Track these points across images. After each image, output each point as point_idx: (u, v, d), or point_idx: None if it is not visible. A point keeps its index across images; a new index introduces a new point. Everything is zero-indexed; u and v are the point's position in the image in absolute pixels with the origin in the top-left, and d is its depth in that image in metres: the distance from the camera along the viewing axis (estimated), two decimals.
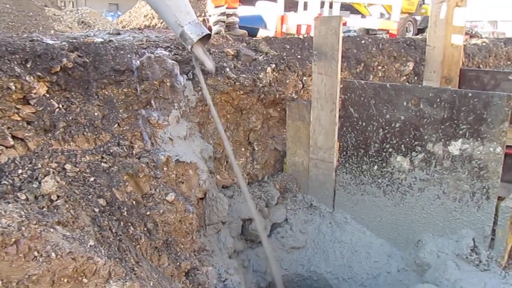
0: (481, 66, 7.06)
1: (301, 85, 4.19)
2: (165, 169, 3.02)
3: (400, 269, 3.47)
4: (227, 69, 3.59)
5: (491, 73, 5.43)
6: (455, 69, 5.44)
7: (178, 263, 2.84)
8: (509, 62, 7.96)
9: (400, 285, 3.36)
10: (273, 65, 3.90)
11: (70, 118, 2.72)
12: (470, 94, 3.02)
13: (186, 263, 2.86)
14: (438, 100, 3.14)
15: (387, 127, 3.44)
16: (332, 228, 3.90)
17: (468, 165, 3.10)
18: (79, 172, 2.55)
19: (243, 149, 3.96)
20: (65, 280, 1.97)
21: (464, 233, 3.19)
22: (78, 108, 2.80)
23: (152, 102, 3.19)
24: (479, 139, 3.02)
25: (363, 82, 3.52)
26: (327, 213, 3.96)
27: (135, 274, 2.28)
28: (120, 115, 2.98)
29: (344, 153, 3.77)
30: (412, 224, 3.47)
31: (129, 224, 2.64)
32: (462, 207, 3.18)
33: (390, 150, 3.47)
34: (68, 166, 2.52)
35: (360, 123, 3.59)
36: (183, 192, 3.12)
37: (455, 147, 3.13)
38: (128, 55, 3.12)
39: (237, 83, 3.62)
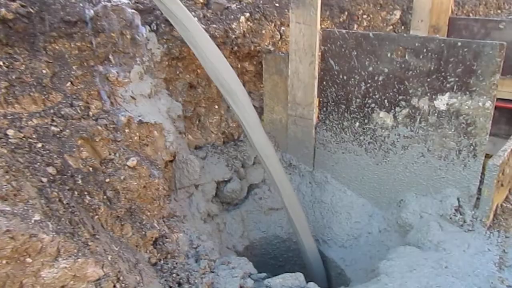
0: (470, 14, 6.74)
1: (279, 36, 3.86)
2: (126, 131, 2.75)
3: (381, 230, 3.33)
4: (196, 19, 3.24)
5: (481, 22, 5.13)
6: (444, 18, 5.13)
7: (143, 232, 2.64)
8: (499, 11, 7.63)
9: (382, 246, 3.23)
10: (247, 14, 3.55)
11: (14, 77, 2.41)
12: (459, 44, 2.75)
13: (153, 232, 2.67)
14: (425, 50, 2.87)
15: (369, 81, 3.19)
16: (312, 188, 3.73)
17: (455, 121, 2.89)
18: (23, 138, 2.28)
19: (216, 107, 3.68)
20: (4, 262, 1.76)
21: (448, 192, 3.03)
22: (23, 66, 2.49)
23: (111, 57, 2.87)
24: (467, 92, 2.79)
25: (344, 31, 3.21)
26: (306, 172, 3.77)
27: (89, 249, 2.07)
28: (73, 73, 2.67)
29: (324, 109, 3.53)
30: (395, 183, 3.30)
31: (85, 193, 2.40)
32: (448, 165, 3.00)
33: (373, 105, 3.23)
34: (10, 132, 2.24)
35: (341, 76, 3.32)
36: (148, 156, 2.87)
37: (442, 101, 2.91)
38: (81, 4, 2.76)
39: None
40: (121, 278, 2.15)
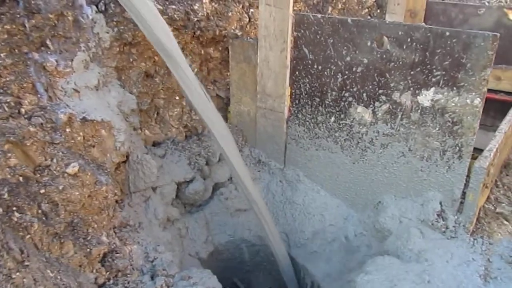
0: None
1: (247, 19, 3.49)
2: (67, 130, 2.34)
3: (357, 234, 3.08)
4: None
5: (460, 7, 4.91)
6: (421, 2, 4.90)
7: (88, 249, 2.27)
8: None
9: (357, 252, 2.99)
10: None
11: None
12: (447, 34, 2.46)
13: (99, 248, 2.30)
14: (409, 40, 2.57)
15: (347, 72, 2.87)
16: (283, 187, 3.43)
17: (440, 119, 2.62)
18: None
19: (177, 97, 3.30)
20: None
21: (430, 196, 2.79)
22: None
23: (48, 42, 2.43)
24: (454, 88, 2.52)
25: (319, 16, 2.87)
26: (277, 170, 3.47)
27: (13, 283, 1.70)
28: (0, 62, 2.23)
29: (297, 101, 3.20)
30: (372, 184, 3.03)
31: (13, 209, 2.00)
32: (430, 166, 2.75)
33: (350, 99, 2.93)
34: None
35: (315, 66, 2.99)
36: (94, 159, 2.48)
37: (426, 97, 2.63)
38: None
39: (164, 17, 2.87)
40: None
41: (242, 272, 3.53)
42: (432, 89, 2.59)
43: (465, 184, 2.67)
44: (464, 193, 2.68)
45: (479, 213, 2.86)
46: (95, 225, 2.40)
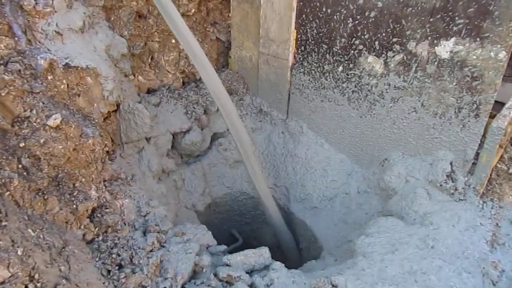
0: None
1: None
2: (49, 78, 2.15)
3: (360, 191, 2.95)
4: None
5: None
6: None
7: (74, 206, 2.16)
8: None
9: (359, 210, 2.87)
10: None
11: None
12: None
13: (87, 204, 2.18)
14: None
15: (358, 17, 2.59)
16: (285, 139, 3.26)
17: (458, 73, 2.38)
18: None
19: (173, 41, 3.05)
20: None
21: (441, 155, 2.60)
22: None
23: None
24: (478, 39, 2.25)
25: None
26: (279, 120, 3.28)
27: None
28: None
29: (302, 48, 2.94)
30: (380, 139, 2.85)
31: None
32: (443, 124, 2.54)
33: (360, 47, 2.67)
34: None
35: (324, 9, 2.71)
36: (80, 109, 2.30)
37: (445, 48, 2.37)
38: None
39: None
40: (36, 276, 1.71)
41: (241, 224, 3.46)
42: (453, 39, 2.32)
43: (479, 144, 2.47)
44: (477, 154, 2.50)
45: (490, 174, 2.68)
46: (83, 179, 2.28)
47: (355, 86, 2.81)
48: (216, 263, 2.39)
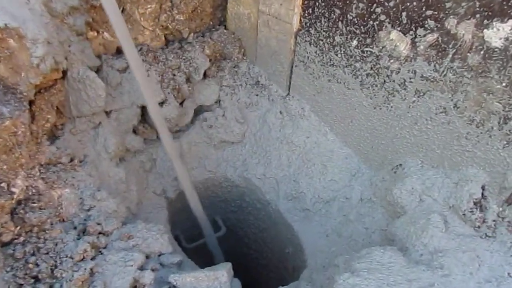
0: None
1: None
2: None
3: (364, 199, 2.37)
4: None
5: None
6: None
7: None
8: None
9: (358, 223, 2.31)
10: None
11: None
12: None
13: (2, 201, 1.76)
14: None
15: None
16: (283, 121, 2.67)
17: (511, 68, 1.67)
18: None
19: None
20: None
21: (471, 174, 1.95)
22: None
23: None
24: None
25: None
26: (278, 97, 2.68)
27: None
28: None
29: (310, 10, 2.27)
30: (395, 140, 2.21)
31: None
32: (481, 135, 1.87)
33: (383, 17, 1.98)
34: None
35: None
36: (1, 79, 1.81)
37: (498, 32, 1.65)
38: None
39: None
40: None
41: (226, 212, 3.00)
42: (510, 21, 1.59)
43: None
44: None
45: None
46: (4, 167, 1.84)
47: (371, 68, 2.14)
48: (164, 278, 1.96)
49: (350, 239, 2.29)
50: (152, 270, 2.00)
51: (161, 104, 2.47)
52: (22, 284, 1.72)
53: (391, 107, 2.15)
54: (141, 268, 1.94)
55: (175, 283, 1.89)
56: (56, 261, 1.83)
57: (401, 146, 2.20)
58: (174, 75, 2.53)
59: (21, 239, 1.84)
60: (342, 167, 2.47)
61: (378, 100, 2.19)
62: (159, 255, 2.10)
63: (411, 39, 1.92)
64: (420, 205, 2.07)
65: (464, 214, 1.94)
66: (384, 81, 2.12)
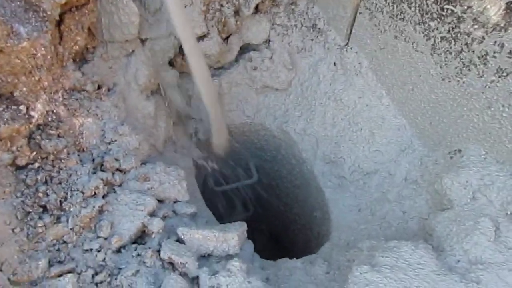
0: None
1: None
2: None
3: (409, 179, 2.08)
4: None
5: None
6: None
7: None
8: None
9: (396, 205, 2.05)
10: None
11: None
12: None
13: (11, 127, 1.68)
14: None
15: None
16: (335, 74, 2.36)
17: None
18: None
19: None
20: None
21: None
22: None
23: None
24: None
25: None
26: (335, 46, 2.34)
27: None
28: None
29: None
30: (460, 121, 1.86)
31: None
32: None
33: None
34: None
35: None
36: None
37: None
38: None
39: None
40: None
41: (260, 160, 2.83)
42: None
43: None
44: None
45: None
46: (24, 89, 1.76)
47: (448, 31, 1.75)
48: (175, 227, 1.87)
49: (383, 221, 2.06)
50: (164, 217, 1.93)
51: (202, 37, 2.24)
52: (29, 212, 1.70)
53: (463, 82, 1.77)
54: (152, 214, 1.86)
55: (182, 237, 1.80)
56: (66, 193, 1.79)
57: (465, 130, 1.85)
58: (221, 5, 2.26)
59: (36, 165, 1.80)
60: (392, 138, 2.16)
61: (449, 71, 1.82)
62: (174, 202, 2.01)
63: (507, 4, 1.50)
64: (472, 203, 1.77)
65: None
66: (461, 49, 1.73)
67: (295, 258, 1.96)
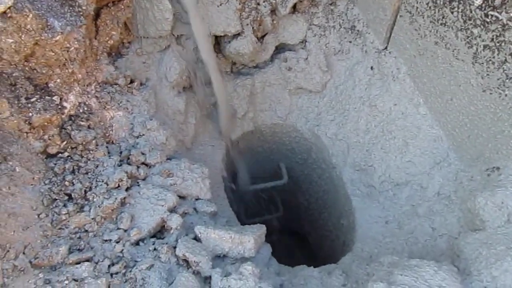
0: None
1: None
2: None
3: (442, 194, 1.97)
4: None
5: None
6: None
7: (30, 113, 1.75)
8: None
9: (426, 220, 1.94)
10: None
11: None
12: None
13: (44, 117, 1.75)
14: None
15: None
16: (372, 79, 2.27)
17: None
18: None
19: None
20: None
21: None
22: None
23: None
24: None
25: None
26: (373, 50, 2.25)
27: None
28: None
29: None
30: (500, 136, 1.73)
31: None
32: None
33: None
34: None
35: None
36: None
37: None
38: None
39: None
40: None
41: (291, 162, 2.78)
42: None
43: None
44: None
45: None
46: (58, 80, 1.83)
47: (492, 40, 1.62)
48: (194, 224, 1.88)
49: (411, 236, 1.96)
50: (185, 213, 1.95)
51: (236, 36, 2.23)
52: (55, 199, 1.76)
53: (505, 95, 1.64)
54: (172, 210, 1.88)
55: (199, 235, 1.81)
56: (91, 184, 1.84)
57: (505, 146, 1.72)
58: (258, 4, 2.23)
59: (66, 154, 1.86)
60: (427, 149, 2.05)
61: (491, 82, 1.69)
62: (196, 199, 2.02)
63: None
64: (506, 226, 1.64)
65: None
66: (505, 60, 1.60)
67: (312, 267, 1.91)
